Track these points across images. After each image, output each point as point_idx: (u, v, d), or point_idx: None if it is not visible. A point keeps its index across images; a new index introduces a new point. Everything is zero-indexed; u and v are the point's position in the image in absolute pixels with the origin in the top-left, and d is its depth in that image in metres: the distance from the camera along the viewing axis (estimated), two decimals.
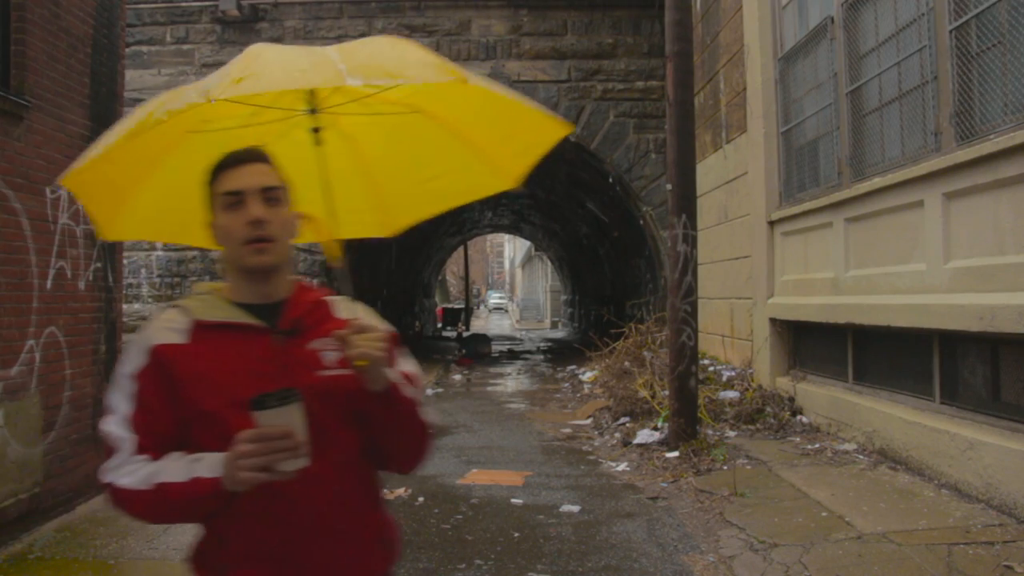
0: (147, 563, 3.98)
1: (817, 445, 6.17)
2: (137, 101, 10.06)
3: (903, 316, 5.35)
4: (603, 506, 5.22)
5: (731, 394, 7.82)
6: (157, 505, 1.41)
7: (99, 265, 5.26)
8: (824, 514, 4.52)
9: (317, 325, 1.54)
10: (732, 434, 6.79)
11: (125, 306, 11.26)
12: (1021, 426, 4.34)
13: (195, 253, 13.06)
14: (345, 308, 1.61)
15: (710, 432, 6.73)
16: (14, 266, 4.34)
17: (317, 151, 1.58)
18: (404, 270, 20.37)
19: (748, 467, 5.71)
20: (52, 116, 4.71)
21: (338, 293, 1.67)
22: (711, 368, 9.19)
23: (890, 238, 5.73)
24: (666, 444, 6.54)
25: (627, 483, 5.83)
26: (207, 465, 1.38)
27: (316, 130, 1.62)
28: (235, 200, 1.49)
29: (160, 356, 1.48)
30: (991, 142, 4.44)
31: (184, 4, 13.11)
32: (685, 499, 5.23)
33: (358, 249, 14.77)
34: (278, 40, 13.09)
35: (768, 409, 7.22)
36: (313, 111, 1.63)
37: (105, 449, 1.47)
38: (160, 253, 13.10)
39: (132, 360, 1.50)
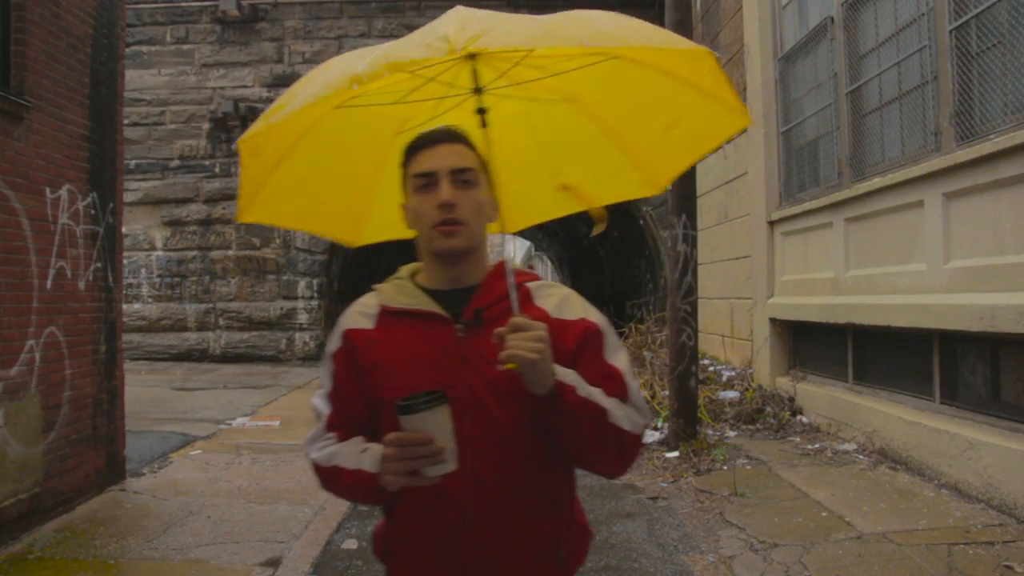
0: (147, 563, 3.97)
1: (817, 445, 6.17)
2: (137, 101, 10.04)
3: (903, 316, 5.35)
4: (603, 506, 5.22)
5: (731, 394, 7.82)
6: (334, 484, 1.48)
7: (99, 265, 5.26)
8: (824, 514, 4.52)
9: (507, 314, 1.40)
10: (732, 434, 6.79)
11: (125, 306, 11.25)
12: (1021, 426, 4.34)
13: (195, 253, 13.07)
14: (545, 295, 1.52)
15: (710, 432, 6.73)
16: (14, 266, 4.34)
17: (483, 132, 1.50)
18: None
19: (748, 467, 5.71)
20: (52, 116, 4.71)
21: (541, 278, 1.58)
22: (711, 368, 9.19)
23: (890, 238, 5.73)
24: (666, 444, 6.54)
25: (627, 483, 5.82)
26: (370, 458, 1.40)
27: (481, 111, 1.51)
28: (426, 182, 1.46)
29: (350, 340, 1.51)
30: (991, 142, 4.43)
31: (184, 4, 13.11)
32: (685, 499, 5.23)
33: (357, 249, 14.75)
34: (278, 40, 13.10)
35: (768, 409, 7.22)
36: (478, 90, 1.53)
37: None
38: (160, 253, 13.11)
39: (332, 341, 1.55)
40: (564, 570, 1.51)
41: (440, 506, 1.43)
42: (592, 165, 1.83)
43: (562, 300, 1.51)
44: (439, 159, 1.46)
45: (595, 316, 1.51)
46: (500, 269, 1.52)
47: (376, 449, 1.39)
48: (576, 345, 1.46)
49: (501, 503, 1.43)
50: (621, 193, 1.90)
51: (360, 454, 1.43)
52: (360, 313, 1.54)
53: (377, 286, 1.57)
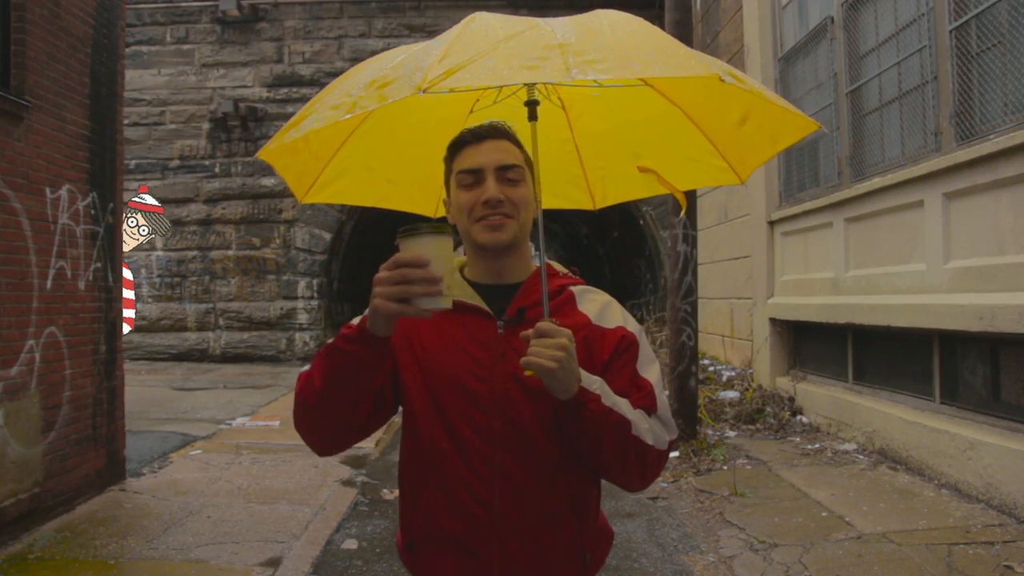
0: (147, 563, 3.97)
1: (817, 445, 6.17)
2: (137, 101, 9.98)
3: (903, 316, 5.35)
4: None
5: (731, 394, 7.82)
6: (311, 381, 1.37)
7: (99, 265, 5.26)
8: (824, 514, 4.52)
9: (550, 315, 1.40)
10: (732, 434, 6.79)
11: None
12: (1021, 426, 4.34)
13: (195, 253, 13.07)
14: (588, 301, 1.51)
15: (710, 432, 6.73)
16: (14, 266, 4.34)
17: (532, 125, 1.49)
18: None
19: (748, 467, 5.71)
20: (52, 116, 4.71)
21: (587, 283, 1.56)
22: (711, 368, 9.19)
23: (890, 238, 5.73)
24: None
25: None
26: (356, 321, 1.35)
27: (530, 104, 1.49)
28: (472, 179, 1.45)
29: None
30: (991, 142, 4.43)
31: (184, 4, 13.11)
32: (685, 499, 5.23)
33: (357, 250, 14.77)
34: (278, 40, 13.10)
35: (768, 409, 7.22)
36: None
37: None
38: (160, 253, 13.11)
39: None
40: (587, 572, 1.50)
41: (467, 502, 1.42)
42: (674, 148, 1.83)
43: (603, 307, 1.51)
44: (485, 156, 1.45)
45: (633, 326, 1.50)
46: (546, 269, 1.51)
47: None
48: (610, 353, 1.45)
49: (529, 502, 1.42)
50: (702, 179, 1.89)
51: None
52: None
53: None
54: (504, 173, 1.45)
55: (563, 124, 1.85)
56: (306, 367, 1.46)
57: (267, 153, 1.58)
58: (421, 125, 1.72)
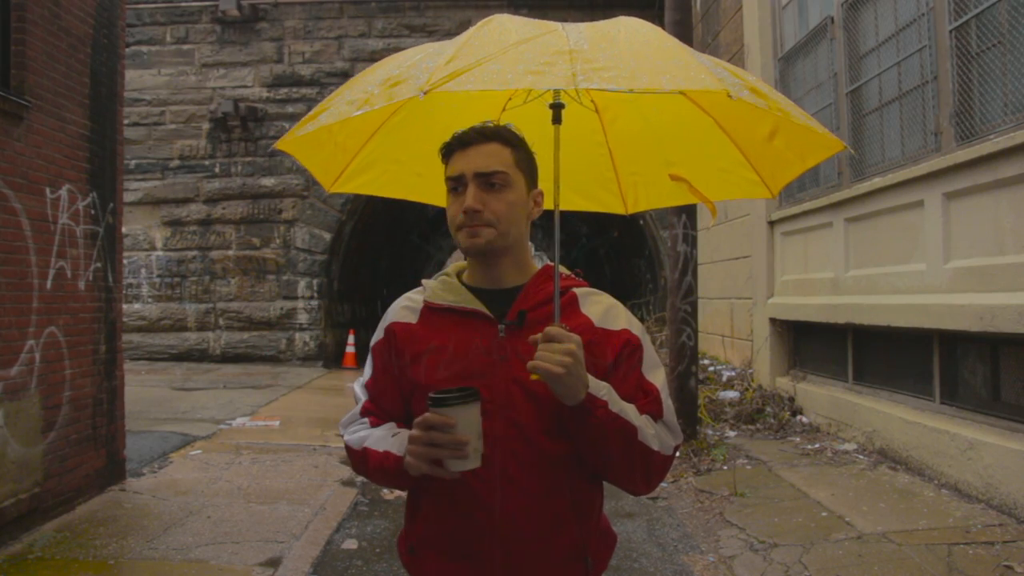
0: (147, 563, 3.97)
1: (817, 445, 6.17)
2: (137, 101, 9.96)
3: (903, 316, 5.35)
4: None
5: (731, 394, 7.82)
6: (363, 466, 1.50)
7: (99, 265, 5.25)
8: (824, 514, 4.52)
9: (551, 318, 1.40)
10: (732, 434, 6.79)
11: (125, 306, 11.25)
12: (1021, 426, 4.34)
13: (195, 253, 13.07)
14: (592, 303, 1.51)
15: (710, 432, 6.73)
16: (14, 266, 4.33)
17: (556, 128, 1.49)
18: (404, 270, 20.37)
19: (748, 467, 5.71)
20: (52, 116, 4.71)
21: (591, 285, 1.56)
22: (711, 368, 9.19)
23: (890, 238, 5.73)
24: None
25: None
26: (398, 442, 1.42)
27: (555, 106, 1.49)
28: (455, 185, 1.46)
29: (392, 333, 1.54)
30: (991, 142, 4.44)
31: (184, 4, 13.11)
32: (685, 499, 5.23)
33: (357, 250, 14.77)
34: (278, 40, 13.11)
35: (768, 409, 7.22)
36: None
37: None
38: (160, 253, 13.11)
39: (376, 334, 1.59)
40: (589, 574, 1.49)
41: (469, 505, 1.42)
42: (706, 158, 1.83)
43: (607, 309, 1.50)
44: (467, 162, 1.45)
45: (637, 329, 1.50)
46: (547, 271, 1.51)
47: (406, 435, 1.41)
48: (615, 356, 1.45)
49: (530, 505, 1.42)
50: (734, 191, 1.89)
51: (391, 437, 1.45)
52: (405, 308, 1.55)
53: (425, 281, 1.58)
54: (485, 179, 1.44)
55: (596, 127, 1.84)
56: (346, 435, 1.55)
57: (285, 144, 1.61)
58: (454, 120, 1.72)
